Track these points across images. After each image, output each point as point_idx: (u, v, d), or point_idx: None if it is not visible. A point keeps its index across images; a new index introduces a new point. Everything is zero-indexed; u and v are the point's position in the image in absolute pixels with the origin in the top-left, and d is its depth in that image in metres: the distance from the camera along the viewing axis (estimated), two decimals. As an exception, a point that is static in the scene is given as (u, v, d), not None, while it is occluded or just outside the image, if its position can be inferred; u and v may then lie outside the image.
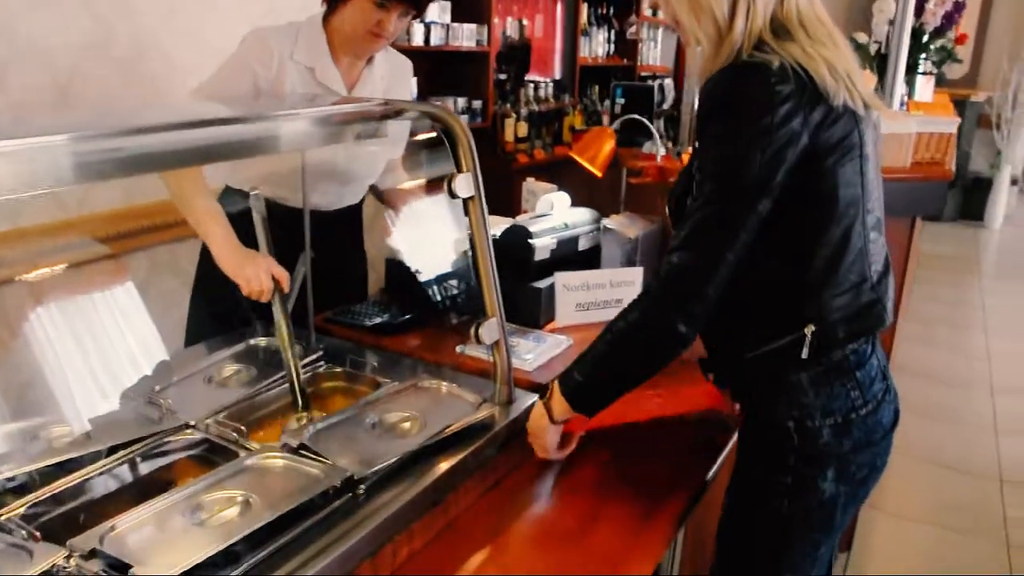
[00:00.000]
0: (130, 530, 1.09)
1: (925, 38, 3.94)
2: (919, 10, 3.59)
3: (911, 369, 4.47)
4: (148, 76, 2.58)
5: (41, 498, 1.18)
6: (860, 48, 3.28)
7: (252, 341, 1.77)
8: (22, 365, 1.54)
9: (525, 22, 4.37)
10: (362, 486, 1.27)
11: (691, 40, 1.32)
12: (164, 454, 1.36)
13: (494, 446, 1.51)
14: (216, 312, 1.97)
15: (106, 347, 1.66)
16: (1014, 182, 8.25)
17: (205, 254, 2.15)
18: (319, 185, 2.02)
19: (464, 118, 3.77)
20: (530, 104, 3.99)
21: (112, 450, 1.31)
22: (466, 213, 1.55)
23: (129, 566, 1.01)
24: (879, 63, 3.51)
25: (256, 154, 1.42)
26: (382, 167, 2.15)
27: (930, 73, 4.03)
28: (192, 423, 1.43)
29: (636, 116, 2.13)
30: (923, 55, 3.91)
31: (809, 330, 1.28)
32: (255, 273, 1.63)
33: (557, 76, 4.85)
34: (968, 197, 8.29)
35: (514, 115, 3.89)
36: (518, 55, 4.51)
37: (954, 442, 3.69)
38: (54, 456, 1.25)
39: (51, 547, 1.06)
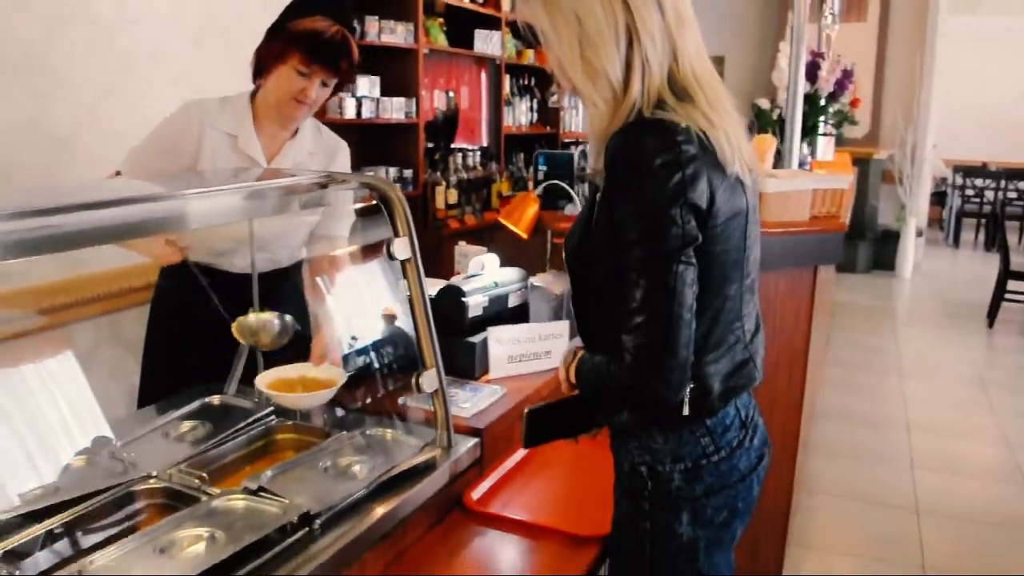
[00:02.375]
0: (106, 565, 1.19)
1: (822, 102, 4.29)
2: (813, 78, 3.92)
3: (833, 412, 4.71)
4: (85, 152, 2.69)
5: (19, 542, 1.27)
6: (762, 113, 3.56)
7: (207, 399, 1.88)
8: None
9: (451, 94, 4.60)
10: (317, 521, 1.39)
11: (589, 104, 1.32)
12: (131, 502, 1.46)
13: (438, 484, 1.64)
14: (170, 372, 2.07)
15: (64, 411, 1.75)
16: (919, 233, 8.75)
17: (153, 320, 2.25)
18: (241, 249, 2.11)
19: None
20: (459, 172, 4.19)
21: (79, 500, 1.40)
22: (404, 275, 1.70)
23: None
24: (780, 127, 3.81)
25: (205, 224, 1.56)
26: (305, 234, 2.26)
27: (829, 134, 4.36)
28: (155, 473, 1.53)
29: (557, 182, 2.32)
30: (821, 118, 4.24)
31: (686, 392, 1.31)
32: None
33: (484, 144, 5.08)
34: (879, 249, 8.76)
35: (444, 183, 4.08)
36: (446, 125, 4.73)
37: (874, 478, 3.90)
38: (26, 506, 1.34)
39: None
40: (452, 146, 4.38)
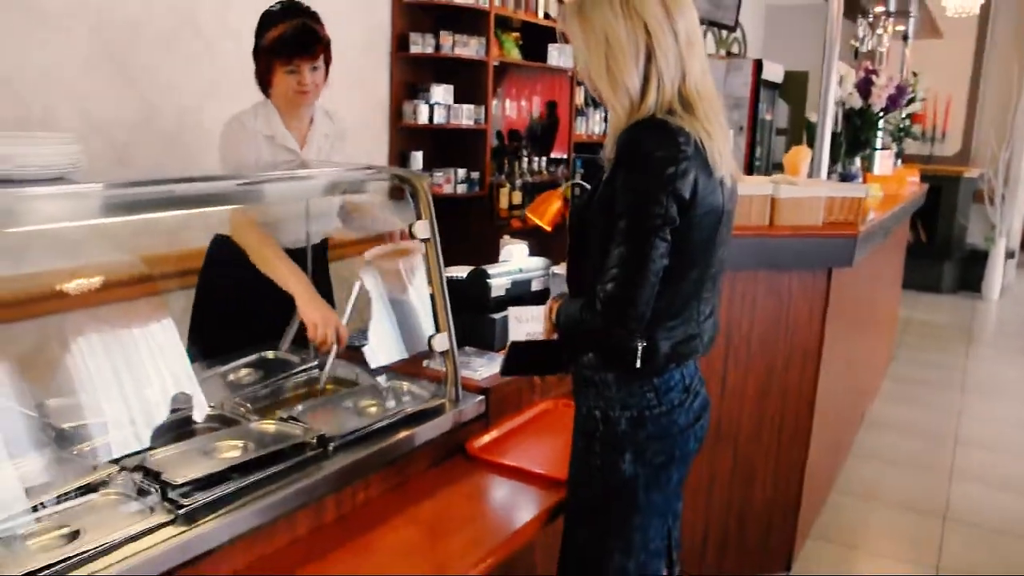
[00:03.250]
0: (161, 459, 1.56)
1: (881, 120, 4.42)
2: (867, 94, 4.07)
3: (884, 422, 4.81)
4: (185, 147, 3.12)
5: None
6: (810, 126, 3.74)
7: (263, 353, 2.25)
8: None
9: (527, 102, 4.92)
10: (332, 444, 1.72)
11: (611, 108, 1.59)
12: (189, 424, 1.82)
13: (441, 429, 1.96)
14: (219, 329, 2.43)
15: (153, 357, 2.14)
16: (1010, 255, 8.57)
17: (203, 283, 2.61)
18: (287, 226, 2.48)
19: (463, 187, 4.29)
20: (524, 176, 4.50)
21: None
22: (424, 252, 2.03)
23: (160, 473, 1.47)
24: (832, 139, 3.99)
25: (281, 202, 1.94)
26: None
27: (887, 148, 4.48)
28: (212, 404, 1.89)
29: (581, 183, 2.60)
30: (878, 133, 4.37)
31: (640, 345, 1.58)
32: (328, 328, 2.12)
33: (565, 152, 5.40)
34: (967, 269, 8.63)
35: (508, 185, 4.40)
36: (544, 133, 5.06)
37: (909, 485, 4.01)
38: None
39: (108, 465, 1.53)
40: (523, 154, 4.69)
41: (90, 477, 1.50)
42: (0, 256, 2.10)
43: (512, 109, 4.85)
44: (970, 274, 8.58)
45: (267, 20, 2.39)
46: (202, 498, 1.48)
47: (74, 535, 1.35)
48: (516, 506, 1.81)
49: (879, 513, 3.72)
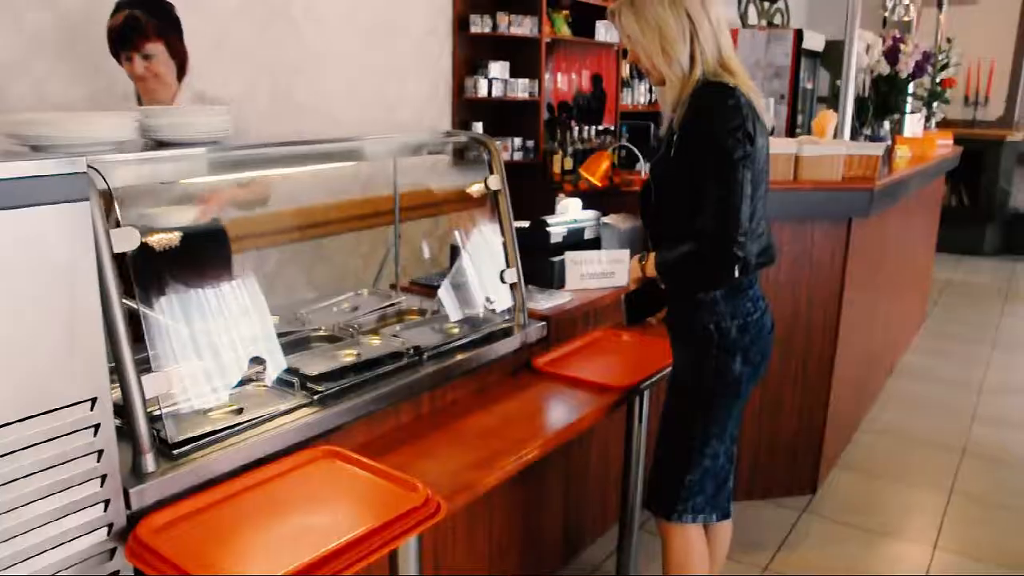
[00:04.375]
0: (299, 359, 2.01)
1: (911, 85, 4.70)
2: (894, 61, 4.35)
3: (914, 372, 5.12)
4: (277, 118, 3.54)
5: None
6: (839, 91, 4.04)
7: (360, 291, 2.69)
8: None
9: (576, 75, 5.29)
10: (425, 354, 2.15)
11: (668, 80, 1.96)
12: (307, 342, 2.27)
13: (511, 347, 2.38)
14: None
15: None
16: (1053, 218, 8.70)
17: None
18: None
19: (519, 154, 4.69)
20: (575, 144, 4.88)
21: (283, 335, 2.23)
22: (496, 201, 2.44)
23: (299, 369, 1.92)
24: (858, 105, 4.29)
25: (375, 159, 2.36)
26: None
27: (917, 112, 4.76)
28: (322, 327, 2.34)
29: (627, 144, 2.98)
30: (908, 98, 4.65)
31: (740, 257, 1.90)
32: None
33: (604, 123, 5.76)
34: (1010, 232, 8.78)
35: (561, 152, 4.78)
36: (592, 105, 5.41)
37: (932, 426, 4.33)
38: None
39: (257, 364, 1.98)
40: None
41: (244, 373, 1.95)
42: (170, 205, 2.55)
43: (563, 82, 5.22)
44: (1013, 238, 8.73)
45: (116, 8, 2.53)
46: (330, 387, 1.92)
47: (239, 411, 1.80)
48: (573, 406, 2.22)
49: (901, 448, 4.05)
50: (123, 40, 2.50)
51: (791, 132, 6.01)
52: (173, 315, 1.75)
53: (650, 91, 6.16)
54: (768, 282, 3.18)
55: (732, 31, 6.90)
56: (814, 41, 6.95)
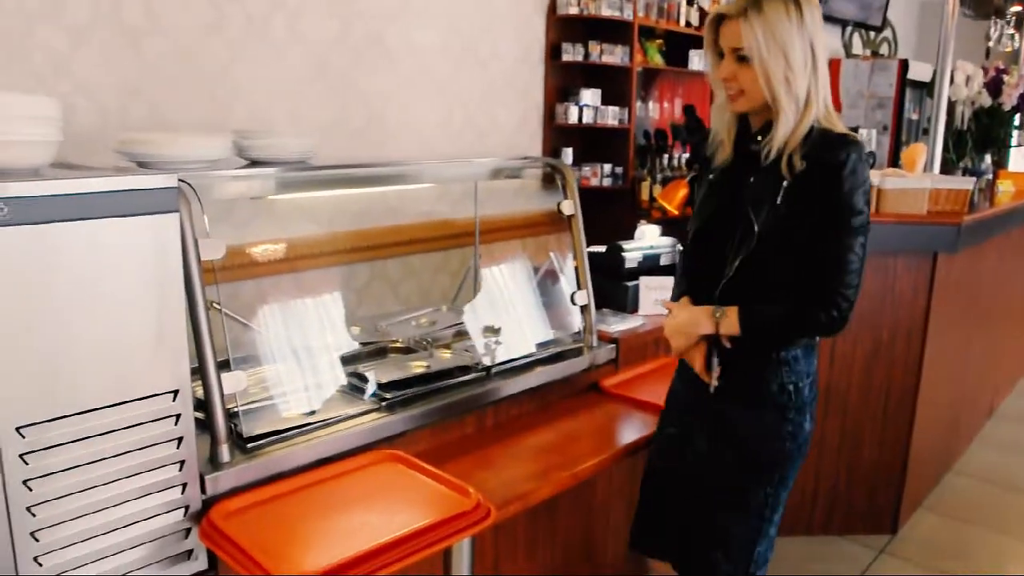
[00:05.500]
0: (372, 367, 2.12)
1: (1016, 117, 4.55)
2: (996, 92, 4.24)
3: (1014, 415, 4.90)
4: (369, 141, 3.72)
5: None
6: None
7: (439, 307, 2.80)
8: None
9: (668, 104, 5.33)
10: (492, 369, 2.24)
11: (783, 112, 1.73)
12: (384, 352, 2.39)
13: (579, 367, 2.45)
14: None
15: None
16: None
17: None
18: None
19: (608, 180, 4.76)
20: (664, 171, 4.91)
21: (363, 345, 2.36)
22: (569, 226, 2.52)
23: (369, 377, 2.04)
24: (958, 136, 4.20)
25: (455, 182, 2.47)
26: None
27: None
28: (399, 339, 2.46)
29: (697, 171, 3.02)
30: (1013, 130, 4.51)
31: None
32: None
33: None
34: None
35: (649, 179, 4.82)
36: (696, 133, 5.44)
37: (1030, 469, 4.14)
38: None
39: (331, 370, 2.11)
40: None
41: (320, 377, 2.08)
42: (265, 218, 2.74)
43: (656, 111, 5.28)
44: None
45: None
46: (398, 395, 2.03)
47: (311, 412, 1.92)
48: (635, 427, 2.27)
49: (997, 494, 3.89)
50: None
51: (893, 163, 5.89)
52: (254, 320, 1.89)
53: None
54: (848, 314, 3.15)
55: (834, 61, 6.83)
56: (921, 71, 6.79)
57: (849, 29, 7.12)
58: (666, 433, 2.09)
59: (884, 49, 7.62)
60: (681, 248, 3.06)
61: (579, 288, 2.52)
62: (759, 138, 1.81)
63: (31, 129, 1.47)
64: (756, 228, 1.78)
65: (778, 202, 1.77)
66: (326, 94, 3.50)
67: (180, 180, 1.54)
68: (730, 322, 1.83)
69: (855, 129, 6.01)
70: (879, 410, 3.26)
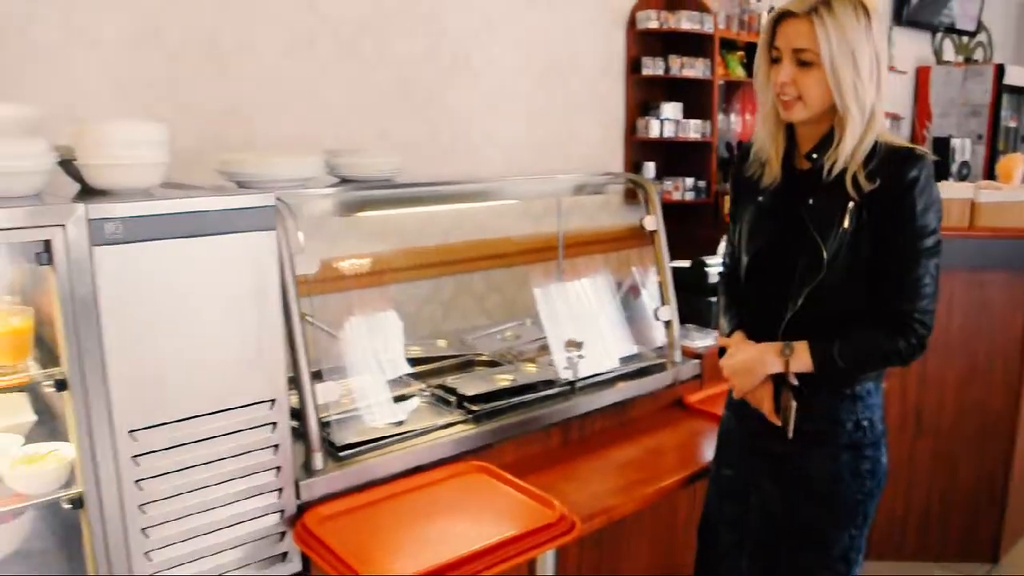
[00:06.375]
0: (455, 379, 2.17)
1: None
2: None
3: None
4: (457, 156, 3.79)
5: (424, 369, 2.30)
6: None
7: (524, 319, 2.84)
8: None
9: (751, 116, 5.27)
10: (577, 383, 2.26)
11: (849, 122, 1.58)
12: (471, 364, 2.44)
13: (662, 382, 2.44)
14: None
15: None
16: None
17: None
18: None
19: (691, 194, 4.73)
20: (748, 184, 4.86)
21: (449, 358, 2.41)
22: (652, 241, 2.52)
23: (456, 389, 2.08)
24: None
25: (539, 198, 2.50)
26: None
27: None
28: (486, 353, 2.50)
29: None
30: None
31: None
32: None
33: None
34: None
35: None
36: None
37: None
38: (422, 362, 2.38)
39: (418, 382, 2.16)
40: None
41: (408, 390, 2.13)
42: (354, 233, 2.83)
43: (738, 123, 5.23)
44: None
45: None
46: (485, 408, 2.06)
47: (400, 422, 1.98)
48: (720, 442, 2.26)
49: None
50: None
51: (989, 174, 5.69)
52: (346, 333, 1.95)
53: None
54: (940, 329, 3.05)
55: (924, 68, 6.65)
56: (1019, 76, 6.56)
57: (940, 35, 6.92)
58: (723, 475, 1.93)
59: (978, 54, 7.37)
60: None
61: (663, 303, 2.52)
62: (814, 155, 1.66)
63: (142, 153, 1.57)
64: (825, 255, 1.63)
65: (845, 225, 1.62)
66: (413, 112, 3.58)
67: (277, 199, 1.61)
68: (801, 358, 1.66)
69: (945, 140, 5.88)
70: (975, 434, 3.15)
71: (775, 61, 1.64)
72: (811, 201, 1.66)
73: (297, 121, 3.14)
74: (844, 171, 1.62)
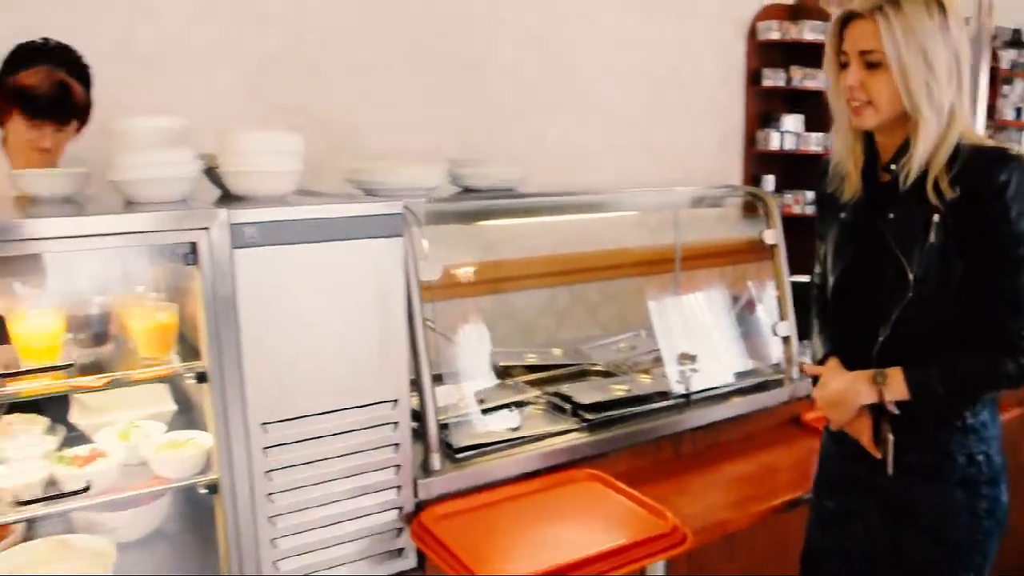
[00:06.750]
0: (569, 387, 2.19)
1: None
2: None
3: None
4: (577, 167, 3.81)
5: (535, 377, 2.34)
6: None
7: (638, 331, 2.84)
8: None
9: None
10: (694, 397, 2.24)
11: (923, 123, 1.47)
12: (585, 374, 2.46)
13: (779, 399, 2.40)
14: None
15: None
16: None
17: None
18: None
19: (812, 208, 4.61)
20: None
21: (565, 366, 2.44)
22: (772, 255, 2.48)
23: (571, 397, 2.10)
24: None
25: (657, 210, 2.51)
26: None
27: None
28: (599, 363, 2.51)
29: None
30: None
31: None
32: None
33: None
34: None
35: (855, 207, 4.63)
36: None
37: None
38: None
39: (533, 389, 2.19)
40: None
41: (523, 396, 2.17)
42: (472, 241, 2.90)
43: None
44: None
45: (20, 58, 2.06)
46: (599, 417, 2.08)
47: (516, 428, 2.01)
48: (839, 462, 2.20)
49: None
50: (50, 109, 2.02)
51: None
52: (464, 338, 2.01)
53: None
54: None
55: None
56: None
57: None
58: (825, 507, 1.80)
59: None
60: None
61: (781, 318, 2.47)
62: (892, 165, 1.55)
63: (280, 161, 1.66)
64: (910, 274, 1.51)
65: (931, 239, 1.49)
66: (530, 121, 3.63)
67: (405, 206, 1.67)
68: (896, 387, 1.53)
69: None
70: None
71: (844, 67, 1.54)
72: (892, 215, 1.55)
73: (414, 132, 3.24)
74: (924, 179, 1.49)
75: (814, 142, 4.54)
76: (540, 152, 3.67)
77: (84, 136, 2.16)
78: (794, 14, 4.47)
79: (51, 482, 1.57)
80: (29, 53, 2.06)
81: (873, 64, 1.49)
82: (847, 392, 1.59)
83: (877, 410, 1.57)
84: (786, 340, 2.48)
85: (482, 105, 3.45)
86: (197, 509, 1.81)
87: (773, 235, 2.47)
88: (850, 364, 1.63)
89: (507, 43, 3.48)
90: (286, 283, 1.55)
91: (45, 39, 2.10)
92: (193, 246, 1.48)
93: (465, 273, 2.74)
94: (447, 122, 3.33)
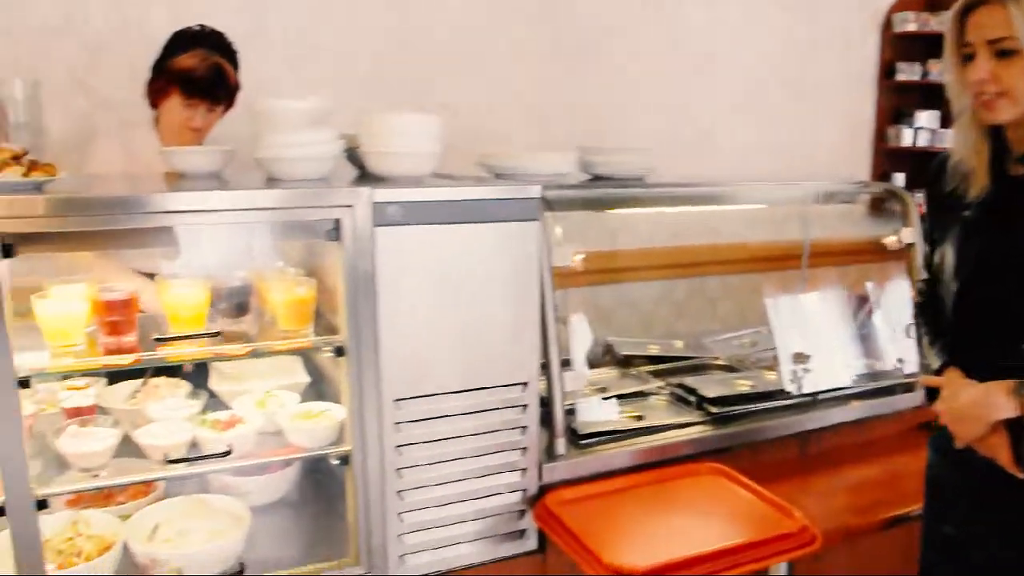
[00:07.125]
0: (697, 381, 2.17)
1: None
2: None
3: None
4: (700, 158, 3.75)
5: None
6: None
7: (759, 328, 2.78)
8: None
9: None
10: (819, 396, 2.18)
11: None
12: (705, 367, 2.43)
13: (908, 403, 2.31)
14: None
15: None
16: None
17: None
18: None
19: (942, 208, 4.42)
20: (1010, 200, 4.46)
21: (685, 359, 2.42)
22: (908, 256, 2.39)
23: (697, 390, 2.08)
24: None
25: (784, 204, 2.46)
26: None
27: None
28: (721, 357, 2.48)
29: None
30: None
31: None
32: None
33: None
34: None
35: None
36: None
37: None
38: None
39: (655, 379, 2.17)
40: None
41: (646, 386, 2.15)
42: (597, 228, 2.90)
43: None
44: None
45: (178, 43, 2.21)
46: (724, 410, 2.05)
47: (639, 417, 2.00)
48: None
49: None
50: (205, 89, 2.18)
51: None
52: (590, 325, 2.01)
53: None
54: None
55: None
56: None
57: None
58: (942, 532, 1.64)
59: None
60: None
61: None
62: None
63: (420, 143, 1.69)
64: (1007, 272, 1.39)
65: None
66: (656, 109, 3.59)
67: (543, 191, 1.68)
68: None
69: None
70: None
71: (967, 59, 1.42)
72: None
73: (543, 119, 3.25)
74: None
75: (949, 140, 4.34)
76: (663, 141, 3.63)
77: (226, 118, 2.26)
78: (932, 4, 4.26)
79: (193, 444, 1.65)
80: (187, 38, 2.21)
81: (1006, 52, 1.37)
82: (981, 405, 1.42)
83: (1018, 425, 1.41)
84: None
85: (610, 94, 3.43)
86: (318, 479, 1.87)
87: (911, 234, 2.39)
88: (977, 375, 1.47)
89: (635, 34, 3.46)
90: (424, 262, 1.58)
91: (201, 25, 2.24)
92: (337, 222, 1.52)
93: (588, 260, 2.74)
94: (571, 111, 3.33)
